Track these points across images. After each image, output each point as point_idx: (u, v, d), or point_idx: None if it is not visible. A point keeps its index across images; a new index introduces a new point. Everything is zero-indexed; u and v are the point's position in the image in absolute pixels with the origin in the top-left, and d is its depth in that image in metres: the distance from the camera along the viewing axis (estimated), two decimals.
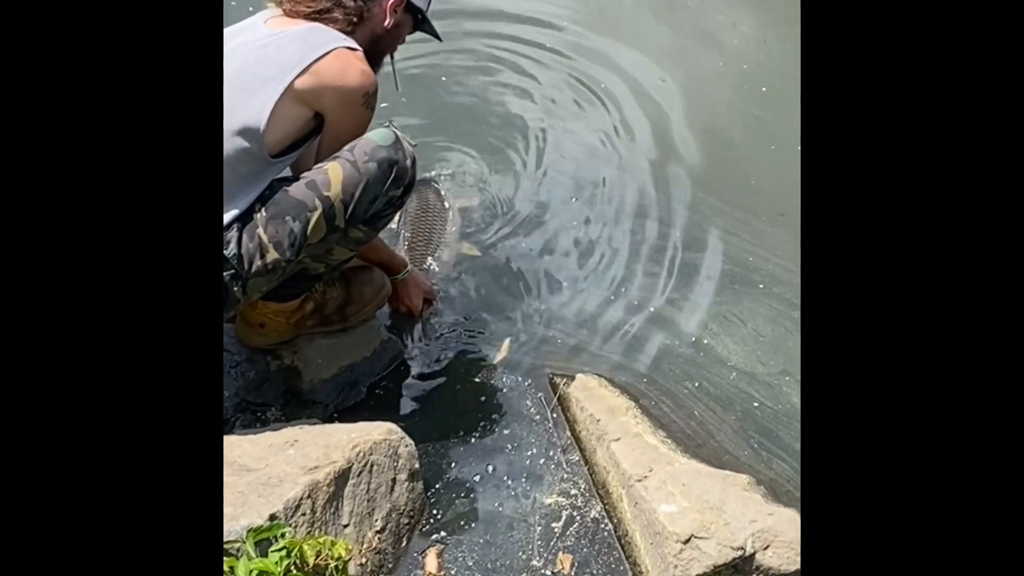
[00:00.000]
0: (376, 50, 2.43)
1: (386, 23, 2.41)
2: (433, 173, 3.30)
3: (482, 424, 2.56)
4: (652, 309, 2.92)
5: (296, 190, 2.19)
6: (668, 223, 3.25)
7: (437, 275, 2.95)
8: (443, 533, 2.27)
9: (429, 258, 2.89)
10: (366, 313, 2.67)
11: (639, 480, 2.24)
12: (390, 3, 2.39)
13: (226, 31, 2.27)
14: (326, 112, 2.24)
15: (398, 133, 2.29)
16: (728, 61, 4.02)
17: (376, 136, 2.26)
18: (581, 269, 3.06)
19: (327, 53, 2.18)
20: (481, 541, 2.27)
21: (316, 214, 2.18)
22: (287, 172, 2.35)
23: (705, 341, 2.84)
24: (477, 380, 2.68)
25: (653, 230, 3.23)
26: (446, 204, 3.07)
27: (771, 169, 3.42)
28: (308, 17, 2.28)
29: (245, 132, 2.13)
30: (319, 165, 2.23)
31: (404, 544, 2.19)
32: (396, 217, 2.64)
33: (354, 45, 2.26)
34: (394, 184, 2.27)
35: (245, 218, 2.17)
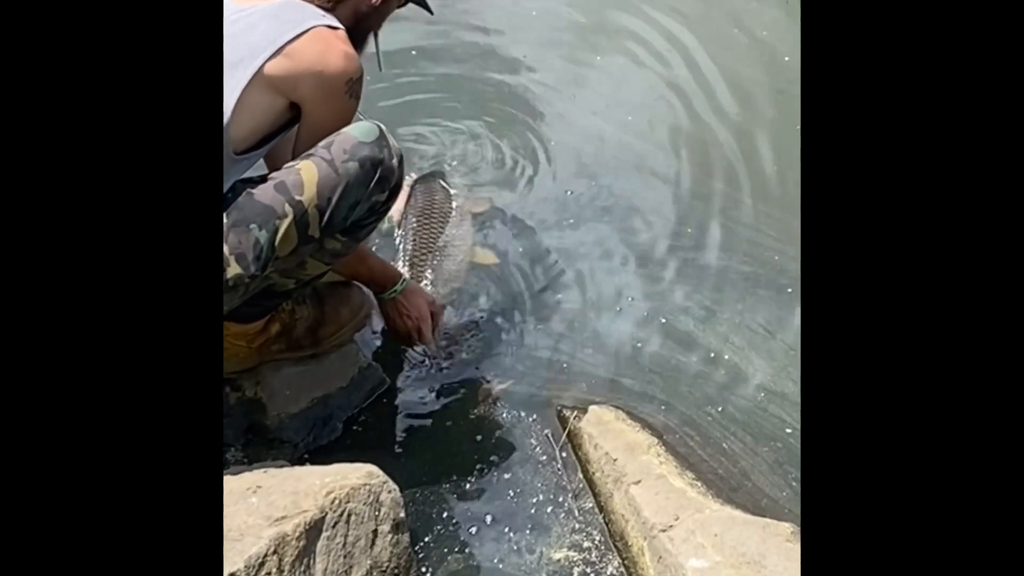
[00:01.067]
0: (360, 29, 2.34)
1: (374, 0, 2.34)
2: (427, 162, 3.22)
3: (479, 466, 2.45)
4: (664, 320, 2.80)
5: (263, 193, 2.09)
6: (680, 219, 3.13)
7: (440, 292, 2.86)
8: None
9: (428, 271, 2.82)
10: (342, 336, 2.56)
11: (663, 530, 2.16)
12: None
13: None
14: (303, 102, 2.14)
15: (382, 128, 2.18)
16: (744, 28, 3.91)
17: (357, 131, 2.15)
18: (585, 276, 2.95)
19: (303, 33, 2.08)
20: None
21: (286, 222, 2.08)
22: (255, 170, 2.28)
23: (726, 356, 2.71)
24: (473, 415, 2.57)
25: (663, 227, 3.11)
26: (454, 204, 3.00)
27: (796, 153, 3.23)
28: None
29: None
30: (290, 164, 2.13)
31: None
32: (396, 225, 2.60)
33: (335, 23, 2.16)
34: (378, 187, 2.17)
35: None
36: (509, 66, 3.76)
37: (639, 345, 2.74)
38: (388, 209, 2.27)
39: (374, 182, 2.15)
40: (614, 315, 2.83)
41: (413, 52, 3.72)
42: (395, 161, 2.18)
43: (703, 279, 2.94)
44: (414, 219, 2.90)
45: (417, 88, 3.62)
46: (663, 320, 2.79)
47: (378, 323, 2.66)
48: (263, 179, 2.13)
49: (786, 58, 3.70)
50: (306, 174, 2.09)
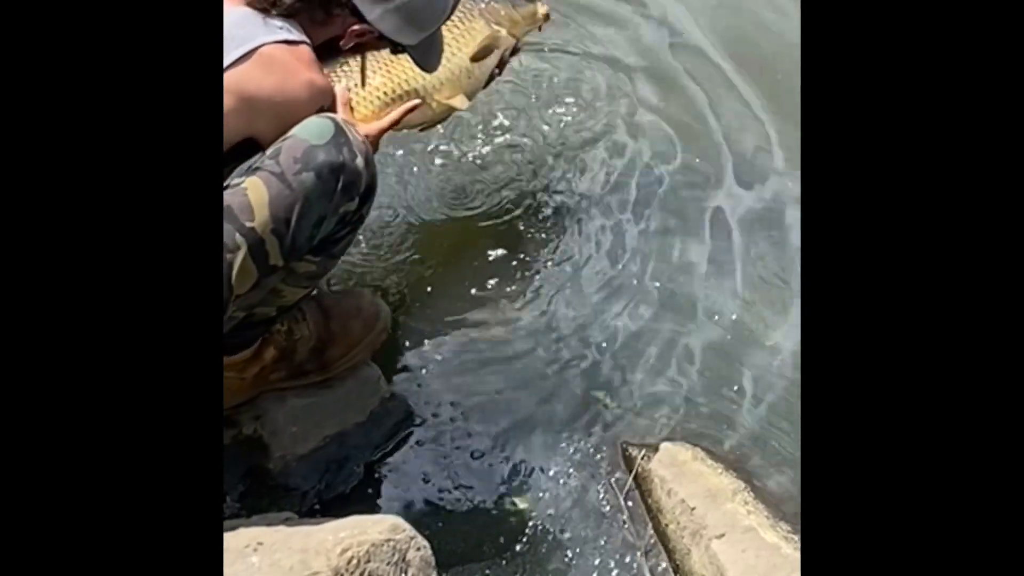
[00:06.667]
0: (334, 47, 2.31)
1: (343, 44, 2.28)
2: None
3: (528, 518, 2.39)
4: (732, 316, 2.75)
5: None
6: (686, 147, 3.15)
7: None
8: None
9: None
10: (355, 357, 2.47)
11: None
12: (353, 29, 2.25)
13: None
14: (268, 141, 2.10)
15: (339, 121, 2.09)
16: None
17: (308, 132, 2.04)
18: (618, 258, 2.89)
19: (248, 54, 2.02)
20: None
21: (240, 255, 1.99)
22: None
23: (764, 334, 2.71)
24: (518, 455, 2.50)
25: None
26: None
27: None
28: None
29: None
30: (236, 182, 2.05)
31: None
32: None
33: (294, 35, 2.10)
34: (344, 195, 2.06)
35: None
36: None
37: (701, 351, 2.69)
38: (363, 217, 2.19)
39: (338, 191, 2.05)
40: (676, 315, 2.77)
41: None
42: (360, 161, 2.07)
43: (766, 247, 2.92)
44: None
45: None
46: (721, 316, 2.77)
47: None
48: None
49: None
50: (254, 194, 1.99)
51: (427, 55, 2.36)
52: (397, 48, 2.33)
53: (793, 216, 2.99)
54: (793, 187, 3.06)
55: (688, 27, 3.72)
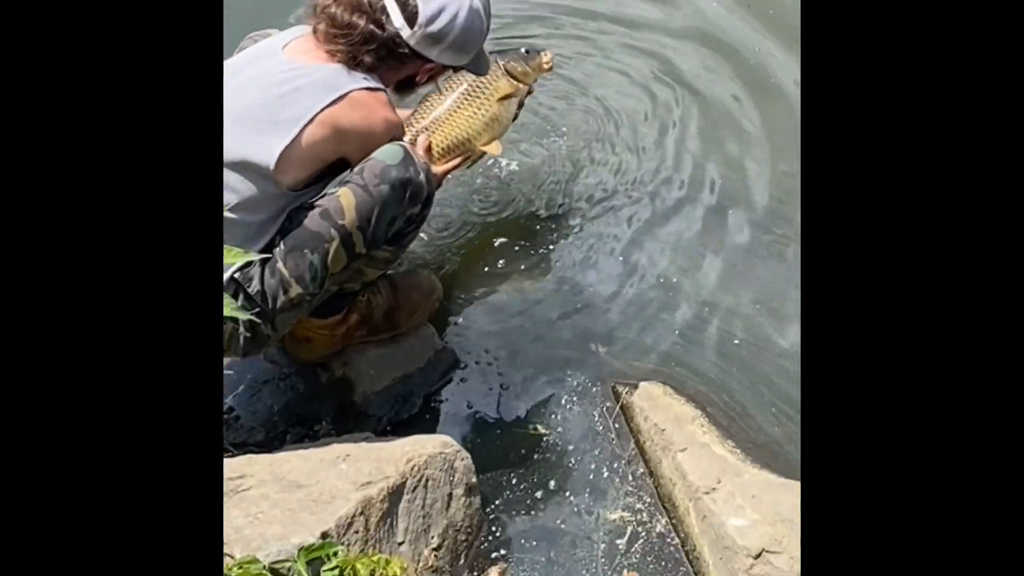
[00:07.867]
0: (410, 82, 2.58)
1: (419, 80, 2.56)
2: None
3: (542, 436, 2.61)
4: (699, 289, 2.99)
5: (311, 221, 2.30)
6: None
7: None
8: (502, 551, 2.33)
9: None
10: (417, 319, 2.75)
11: (707, 492, 2.32)
12: (424, 67, 2.51)
13: (241, 57, 2.44)
14: (355, 159, 2.37)
15: (407, 147, 2.36)
16: None
17: (384, 155, 2.33)
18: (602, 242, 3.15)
19: (341, 98, 2.28)
20: (543, 559, 2.34)
21: (334, 244, 2.30)
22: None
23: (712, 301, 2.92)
24: (536, 390, 2.74)
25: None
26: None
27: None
28: (341, 57, 2.35)
29: (252, 168, 2.27)
30: (331, 191, 2.33)
31: (462, 562, 2.25)
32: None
33: (373, 83, 2.34)
34: (411, 202, 2.37)
35: (266, 252, 2.31)
36: None
37: (676, 313, 2.90)
38: (425, 218, 2.46)
39: (406, 199, 2.34)
40: (660, 287, 2.98)
41: None
42: (423, 177, 2.35)
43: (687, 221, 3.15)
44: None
45: None
46: (699, 289, 2.98)
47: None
48: (311, 207, 2.32)
49: None
50: (344, 200, 2.28)
51: (478, 65, 2.59)
52: (457, 69, 2.57)
53: (773, 206, 3.17)
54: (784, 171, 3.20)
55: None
